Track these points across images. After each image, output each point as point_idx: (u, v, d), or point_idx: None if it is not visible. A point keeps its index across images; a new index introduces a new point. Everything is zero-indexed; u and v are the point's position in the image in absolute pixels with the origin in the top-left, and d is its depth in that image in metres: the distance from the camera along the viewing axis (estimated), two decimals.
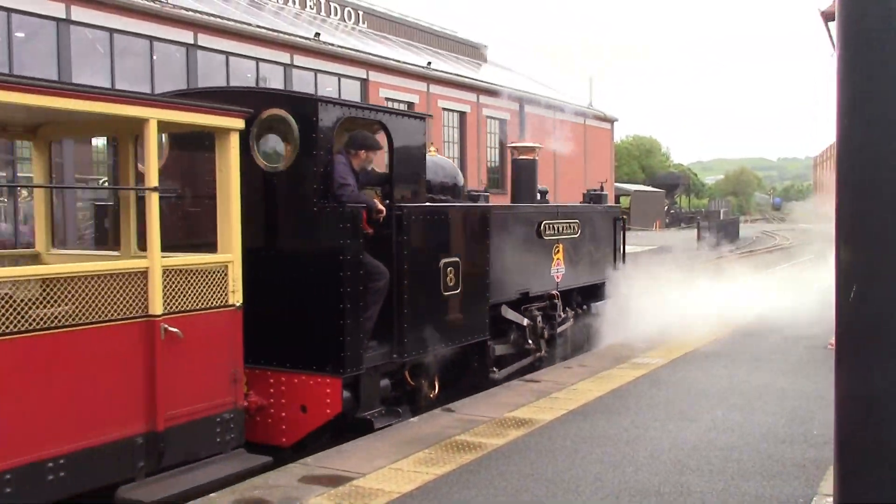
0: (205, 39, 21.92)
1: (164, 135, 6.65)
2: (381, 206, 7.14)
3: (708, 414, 7.24)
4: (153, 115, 5.46)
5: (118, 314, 5.20)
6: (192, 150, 7.21)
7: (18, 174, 17.73)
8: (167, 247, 5.74)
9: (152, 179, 5.44)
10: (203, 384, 5.78)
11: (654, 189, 71.10)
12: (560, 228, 10.27)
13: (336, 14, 31.27)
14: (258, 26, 23.75)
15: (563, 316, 10.44)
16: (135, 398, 5.32)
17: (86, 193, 18.52)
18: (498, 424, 6.89)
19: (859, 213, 2.65)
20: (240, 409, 6.09)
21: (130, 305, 5.28)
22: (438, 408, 7.55)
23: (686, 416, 7.18)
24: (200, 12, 21.72)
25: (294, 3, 29.23)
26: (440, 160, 9.11)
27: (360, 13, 32.65)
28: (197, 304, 5.70)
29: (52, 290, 4.85)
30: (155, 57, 20.82)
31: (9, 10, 17.46)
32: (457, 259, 7.99)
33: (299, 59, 25.14)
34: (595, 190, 12.60)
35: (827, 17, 18.13)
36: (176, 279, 5.57)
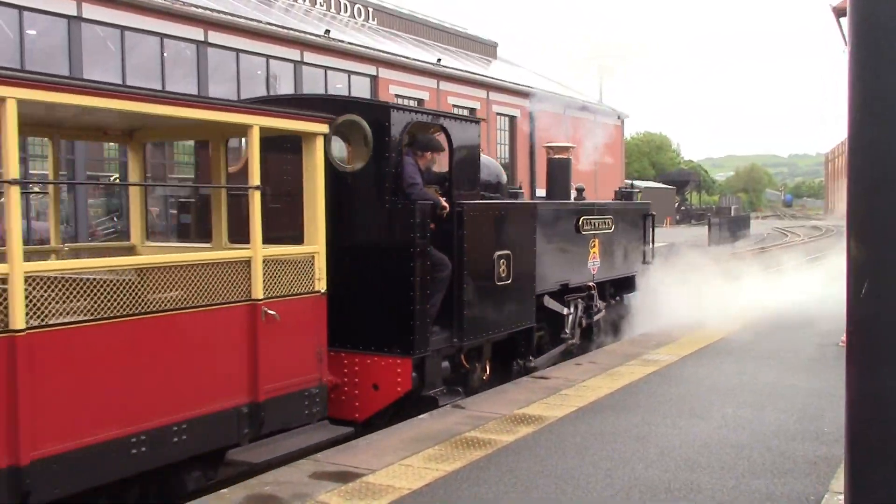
0: (215, 36, 21.96)
1: (242, 139, 7.32)
2: (444, 203, 7.73)
3: (718, 411, 7.22)
4: (256, 121, 6.18)
5: (228, 298, 5.89)
6: (269, 151, 7.69)
7: (31, 171, 17.81)
8: (246, 239, 6.47)
9: (255, 179, 6.11)
10: (294, 362, 6.46)
11: (665, 186, 70.90)
12: (596, 224, 10.88)
13: (346, 11, 31.30)
14: (268, 23, 23.78)
15: (598, 307, 11.02)
16: (240, 372, 6.00)
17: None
18: (508, 421, 6.89)
19: (871, 210, 2.64)
20: (324, 385, 6.79)
21: (237, 290, 5.97)
22: (448, 404, 7.57)
23: (696, 413, 7.17)
24: (211, 9, 21.76)
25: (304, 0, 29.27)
26: (485, 159, 9.46)
27: (370, 10, 32.66)
28: (289, 290, 6.39)
29: (170, 276, 5.49)
30: (165, 54, 20.87)
31: (21, 8, 17.54)
32: (508, 252, 8.56)
33: (309, 56, 25.17)
34: (626, 188, 13.36)
35: (839, 12, 18.00)
36: (272, 268, 6.25)
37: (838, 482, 5.18)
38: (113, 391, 5.14)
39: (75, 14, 18.62)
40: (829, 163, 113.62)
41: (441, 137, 8.18)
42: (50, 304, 4.80)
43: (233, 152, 8.24)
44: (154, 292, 5.37)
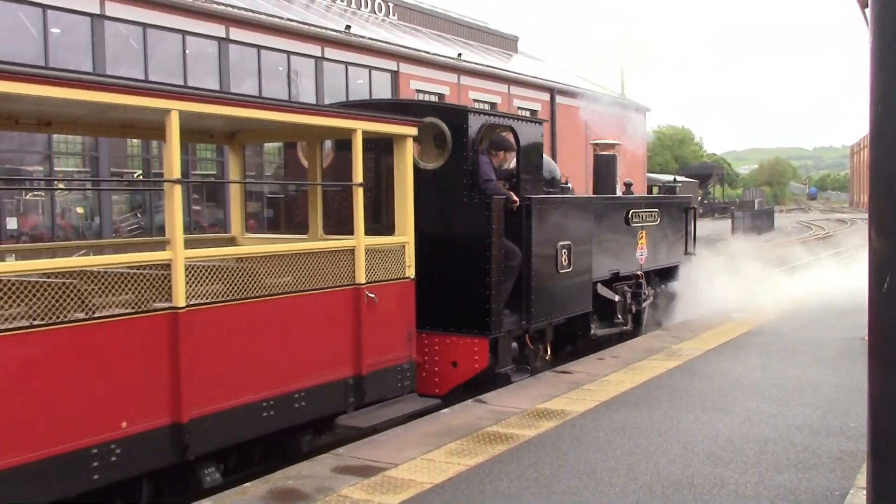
0: (237, 33, 22.03)
1: (329, 141, 8.21)
2: (515, 198, 8.45)
3: (742, 406, 7.18)
4: (359, 126, 6.93)
5: (337, 282, 6.71)
6: (344, 151, 8.23)
7: (56, 168, 17.99)
8: (334, 231, 7.66)
9: (358, 177, 6.88)
10: (389, 340, 7.29)
11: (688, 179, 70.45)
12: (644, 217, 11.64)
13: (366, 6, 31.30)
14: (289, 19, 23.83)
15: (646, 294, 11.70)
16: (347, 348, 6.83)
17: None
18: (530, 416, 6.89)
19: (893, 202, 2.60)
20: (414, 361, 7.61)
21: (344, 276, 6.79)
22: (470, 399, 7.59)
23: (719, 407, 7.13)
24: (232, 6, 21.84)
25: None
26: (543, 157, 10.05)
27: (391, 5, 32.64)
28: (385, 276, 7.19)
29: (283, 263, 6.23)
30: (188, 51, 20.98)
31: (44, 7, 17.68)
32: (569, 242, 9.29)
33: (330, 52, 25.20)
34: (670, 182, 14.26)
35: (863, 2, 17.80)
36: (371, 256, 7.03)
37: (864, 478, 5.12)
38: (248, 362, 5.95)
39: (98, 12, 18.74)
40: (855, 155, 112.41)
41: (510, 137, 8.82)
42: (199, 286, 5.58)
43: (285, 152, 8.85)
44: (272, 277, 6.15)
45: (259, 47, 22.86)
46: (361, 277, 6.88)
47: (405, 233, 7.48)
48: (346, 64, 25.95)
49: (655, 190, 14.11)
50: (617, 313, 10.88)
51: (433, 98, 29.55)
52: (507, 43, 41.69)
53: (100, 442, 4.97)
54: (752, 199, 74.14)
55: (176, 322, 5.35)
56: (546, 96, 36.46)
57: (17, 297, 4.66)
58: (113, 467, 5.04)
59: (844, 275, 16.20)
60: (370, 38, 26.91)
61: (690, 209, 13.42)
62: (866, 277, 2.83)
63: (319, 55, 24.90)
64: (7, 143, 16.67)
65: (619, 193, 12.11)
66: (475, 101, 31.87)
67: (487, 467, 5.58)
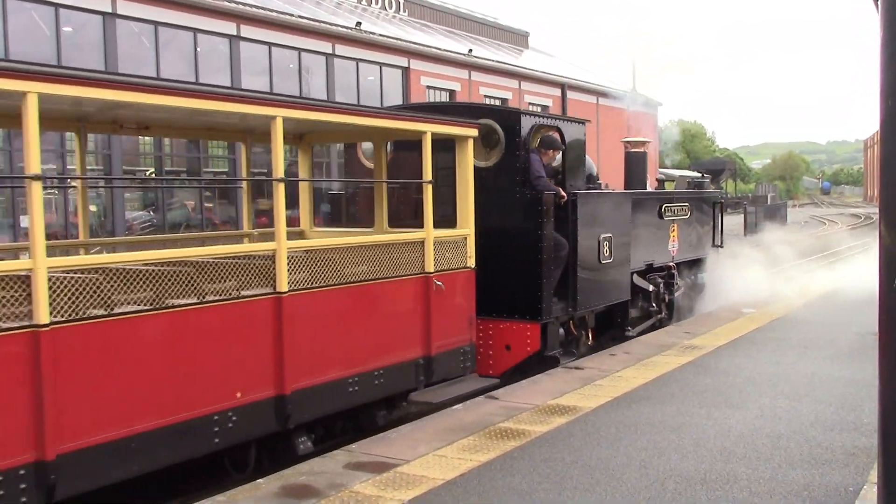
0: (248, 30, 22.08)
1: (389, 141, 8.85)
2: (563, 193, 9.01)
3: (755, 401, 7.15)
4: (430, 128, 7.59)
5: (410, 271, 7.38)
6: (409, 151, 9.04)
7: (68, 167, 18.07)
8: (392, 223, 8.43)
9: (428, 175, 7.56)
10: (453, 324, 7.94)
11: (693, 174, 70.16)
12: (676, 211, 12.18)
13: (377, 3, 31.29)
14: (300, 16, 23.85)
15: (678, 284, 12.34)
16: (418, 331, 7.52)
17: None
18: (541, 412, 6.88)
19: None
20: (474, 344, 8.29)
21: (416, 265, 7.45)
22: (482, 395, 7.59)
23: (732, 403, 7.10)
24: (243, 3, 21.88)
25: None
26: None
27: (401, 2, 32.62)
28: (449, 266, 7.85)
29: (363, 253, 6.93)
30: (199, 49, 21.03)
31: (56, 6, 17.76)
32: (610, 235, 9.87)
33: (341, 49, 25.22)
34: (697, 178, 14.89)
35: None
36: (438, 247, 7.67)
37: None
38: (337, 342, 6.64)
39: (110, 11, 18.81)
40: (868, 149, 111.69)
41: (556, 136, 9.31)
42: (295, 274, 6.23)
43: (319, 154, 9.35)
44: (351, 266, 6.80)
45: (270, 44, 22.90)
46: (431, 266, 7.55)
47: (466, 225, 8.09)
48: (357, 61, 25.97)
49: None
50: (651, 302, 11.48)
51: (444, 95, 29.56)
52: (518, 38, 41.61)
53: (221, 409, 5.64)
54: (764, 193, 73.77)
55: (280, 305, 6.04)
56: (557, 92, 36.37)
57: (143, 283, 5.36)
58: (230, 433, 5.71)
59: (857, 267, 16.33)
60: (381, 35, 26.92)
61: (718, 203, 14.03)
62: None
63: (330, 52, 24.92)
64: (21, 142, 16.74)
65: (649, 188, 12.74)
66: (486, 96, 31.84)
67: (499, 463, 5.58)
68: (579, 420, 6.61)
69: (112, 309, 5.06)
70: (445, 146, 8.10)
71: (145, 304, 5.28)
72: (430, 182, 7.57)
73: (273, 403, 6.02)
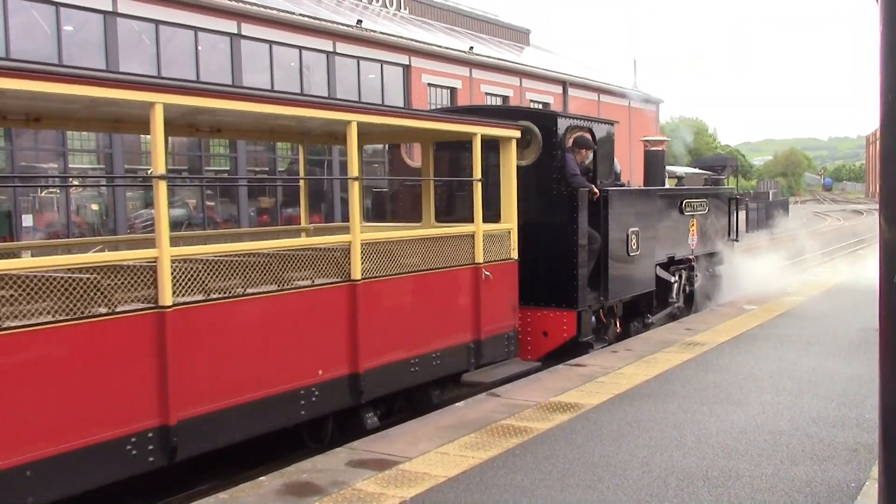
0: (248, 29, 22.06)
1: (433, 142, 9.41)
2: (595, 190, 9.66)
3: (757, 398, 7.15)
4: (479, 130, 8.19)
5: (462, 262, 8.01)
6: (446, 151, 9.92)
7: (70, 166, 18.07)
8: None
9: (477, 173, 8.15)
10: (499, 311, 8.51)
11: (702, 171, 70.19)
12: (695, 206, 12.73)
13: (377, 0, 31.27)
14: (301, 14, 23.84)
15: (697, 276, 12.96)
16: (469, 317, 8.12)
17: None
18: (543, 409, 6.88)
19: None
20: (516, 330, 8.87)
21: (467, 256, 8.07)
22: (483, 392, 7.60)
23: (734, 400, 7.10)
24: (244, 2, 21.86)
25: None
26: None
27: None
28: (495, 257, 8.44)
29: (420, 246, 7.54)
30: (200, 47, 21.02)
31: (57, 4, 17.76)
32: (637, 229, 10.49)
33: (341, 47, 25.20)
34: (713, 174, 15.53)
35: None
36: (486, 240, 8.27)
37: None
38: (401, 325, 7.26)
39: (111, 9, 18.81)
40: (870, 145, 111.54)
41: (588, 136, 9.86)
42: (365, 263, 6.82)
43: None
44: (408, 258, 7.33)
45: (271, 43, 22.89)
46: (480, 257, 8.16)
47: (510, 220, 8.69)
48: (358, 58, 25.95)
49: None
50: (672, 293, 12.06)
51: (445, 92, 29.54)
52: (519, 35, 41.56)
53: (306, 385, 6.31)
54: (766, 190, 73.69)
55: (354, 291, 6.68)
56: (558, 89, 36.34)
57: (231, 272, 5.84)
58: (313, 406, 6.37)
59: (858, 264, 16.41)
60: (381, 33, 26.89)
61: (734, 199, 14.70)
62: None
63: (331, 50, 24.90)
64: (23, 141, 16.76)
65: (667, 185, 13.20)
66: (487, 94, 31.83)
67: (501, 460, 5.58)
68: (581, 417, 6.61)
69: (209, 295, 5.62)
70: (486, 146, 8.50)
71: (237, 291, 5.84)
72: (480, 180, 8.12)
73: (348, 381, 6.69)
